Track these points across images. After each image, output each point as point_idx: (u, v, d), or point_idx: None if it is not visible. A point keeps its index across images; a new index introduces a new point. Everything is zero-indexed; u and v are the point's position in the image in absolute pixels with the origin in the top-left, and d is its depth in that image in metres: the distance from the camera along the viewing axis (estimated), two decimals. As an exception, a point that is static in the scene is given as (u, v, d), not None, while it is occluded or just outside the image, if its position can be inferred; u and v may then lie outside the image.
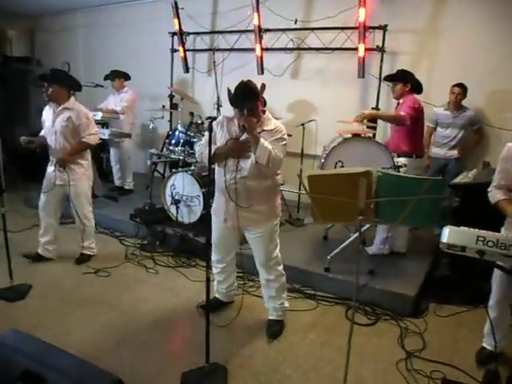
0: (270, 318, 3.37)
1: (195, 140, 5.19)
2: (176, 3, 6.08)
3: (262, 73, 5.70)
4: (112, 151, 6.43)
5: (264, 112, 3.04)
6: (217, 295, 3.61)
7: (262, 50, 5.69)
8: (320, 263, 4.05)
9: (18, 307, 3.56)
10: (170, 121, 6.82)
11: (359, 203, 2.14)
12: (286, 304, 3.39)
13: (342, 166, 4.08)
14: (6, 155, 7.40)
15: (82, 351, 2.95)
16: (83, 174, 4.24)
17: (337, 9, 5.14)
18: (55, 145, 4.13)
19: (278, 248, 3.25)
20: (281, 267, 3.29)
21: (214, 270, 3.49)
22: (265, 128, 2.95)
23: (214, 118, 2.86)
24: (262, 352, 3.07)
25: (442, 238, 2.05)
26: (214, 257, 3.44)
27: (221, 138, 3.05)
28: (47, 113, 4.19)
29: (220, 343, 3.10)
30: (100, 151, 6.82)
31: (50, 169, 4.24)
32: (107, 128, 5.97)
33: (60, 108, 4.07)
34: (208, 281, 2.65)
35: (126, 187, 6.44)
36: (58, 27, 8.34)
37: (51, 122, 4.11)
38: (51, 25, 8.50)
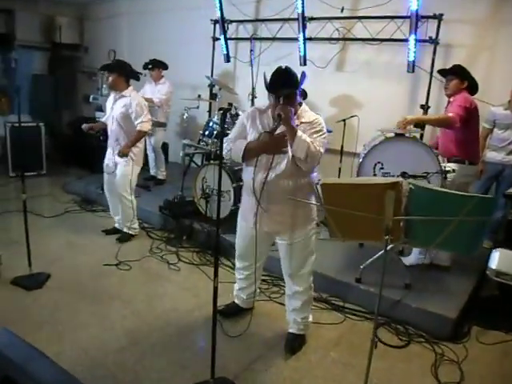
0: (290, 331, 3.08)
1: (229, 132, 4.95)
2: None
3: (305, 64, 5.38)
4: (147, 140, 6.31)
5: (301, 104, 2.74)
6: (236, 301, 3.37)
7: (306, 39, 5.35)
8: (352, 272, 3.71)
9: (33, 297, 3.47)
10: (209, 111, 6.62)
11: (385, 220, 1.82)
12: (310, 318, 3.09)
13: (381, 168, 3.72)
14: (50, 140, 7.60)
15: (87, 351, 2.84)
16: (130, 158, 4.42)
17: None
18: (112, 130, 4.43)
19: (314, 257, 2.93)
20: (311, 279, 2.98)
21: (238, 276, 3.26)
22: (302, 120, 2.65)
23: (228, 110, 2.59)
24: (277, 368, 2.80)
25: (490, 263, 1.68)
26: (238, 263, 3.20)
27: (252, 132, 2.75)
28: (110, 100, 4.52)
29: (232, 354, 2.88)
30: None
31: (109, 152, 4.56)
32: (144, 116, 5.85)
33: (118, 96, 4.37)
34: (215, 291, 2.41)
35: (160, 177, 6.34)
36: (104, 15, 8.35)
37: (110, 108, 4.45)
38: (98, 12, 8.54)
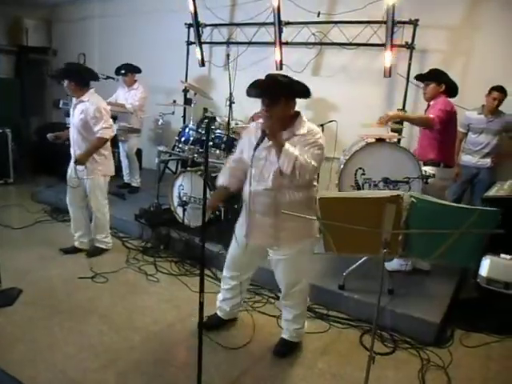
0: (282, 336, 3.03)
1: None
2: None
3: (281, 68, 5.35)
4: (121, 147, 6.17)
5: (298, 114, 2.64)
6: (218, 312, 3.26)
7: (282, 44, 5.32)
8: (335, 279, 3.67)
9: (5, 314, 3.28)
10: (184, 117, 6.51)
11: (384, 234, 1.77)
12: (305, 328, 3.05)
13: (363, 174, 3.71)
14: (17, 147, 7.32)
15: (65, 371, 2.69)
16: (97, 168, 4.17)
17: (363, 1, 4.72)
18: (73, 138, 4.16)
19: (308, 276, 2.90)
20: (305, 294, 2.94)
21: (224, 286, 3.16)
22: (296, 132, 2.57)
23: (213, 119, 2.51)
24: (265, 382, 2.72)
25: (480, 271, 1.66)
26: (226, 272, 3.10)
27: (249, 147, 2.66)
28: (71, 106, 4.20)
29: (217, 368, 2.78)
30: (110, 145, 6.57)
31: (71, 163, 4.23)
32: (115, 123, 5.69)
33: (76, 101, 4.07)
34: (201, 306, 2.33)
35: (134, 184, 6.18)
36: (75, 17, 8.14)
37: (71, 115, 4.14)
38: (68, 14, 8.31)
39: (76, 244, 4.45)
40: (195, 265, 4.22)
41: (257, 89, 2.54)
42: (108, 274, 3.98)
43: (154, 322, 3.29)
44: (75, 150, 4.13)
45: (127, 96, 5.85)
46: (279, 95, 2.51)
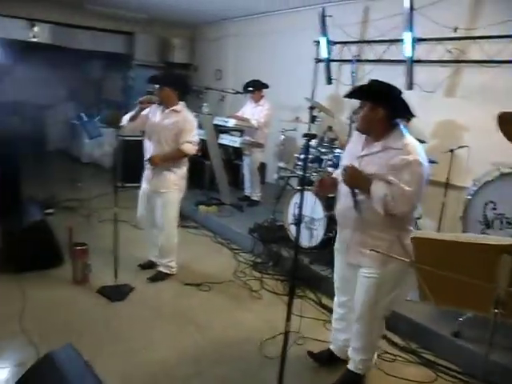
0: (348, 366, 2.77)
1: (325, 157, 4.75)
2: (324, 11, 5.72)
3: (411, 88, 4.99)
4: (244, 160, 6.33)
5: (396, 125, 2.42)
6: (331, 346, 3.01)
7: (413, 61, 4.97)
8: (448, 323, 3.24)
9: (115, 309, 3.56)
10: (305, 134, 6.45)
11: (497, 290, 1.50)
12: (371, 363, 2.77)
13: (493, 209, 3.26)
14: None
15: (154, 374, 2.78)
16: (174, 183, 3.97)
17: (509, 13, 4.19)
18: (155, 145, 3.92)
19: (388, 304, 2.61)
20: (379, 323, 2.68)
21: (333, 315, 2.97)
22: (390, 145, 2.37)
23: (313, 136, 2.41)
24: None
25: None
26: (335, 298, 2.92)
27: (345, 158, 2.61)
28: (154, 110, 3.97)
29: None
30: (234, 158, 6.80)
31: (147, 174, 4.06)
32: (241, 136, 5.87)
33: (168, 110, 3.90)
34: (286, 334, 2.21)
35: (254, 198, 6.28)
36: (213, 36, 8.73)
37: (157, 121, 3.92)
38: (207, 34, 8.97)
39: (152, 258, 4.34)
40: (301, 286, 4.10)
41: (357, 91, 2.44)
42: (213, 284, 4.06)
43: (248, 340, 3.25)
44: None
45: (254, 111, 5.99)
46: (378, 100, 2.36)
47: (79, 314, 3.45)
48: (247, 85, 6.00)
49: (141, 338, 3.16)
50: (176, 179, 3.97)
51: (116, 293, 3.71)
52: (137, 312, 3.52)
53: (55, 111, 10.66)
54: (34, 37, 8.55)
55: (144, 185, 4.07)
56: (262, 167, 6.80)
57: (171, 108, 3.88)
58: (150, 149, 3.97)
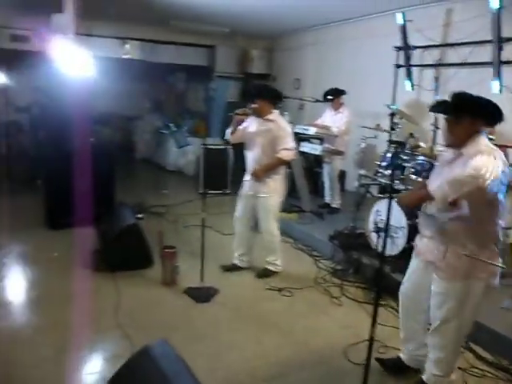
0: (423, 377, 2.69)
1: (407, 165, 4.65)
2: (404, 16, 5.62)
3: (500, 91, 4.74)
4: (324, 167, 6.34)
5: (477, 134, 2.32)
6: (401, 355, 2.97)
7: (502, 63, 4.72)
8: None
9: (200, 309, 3.72)
10: (389, 141, 6.33)
11: None
12: (446, 380, 2.61)
13: None
14: (236, 162, 8.15)
15: (237, 373, 2.88)
16: (275, 188, 4.20)
17: None
18: (252, 156, 4.20)
19: (469, 318, 2.51)
20: (457, 339, 2.56)
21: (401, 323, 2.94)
22: (464, 150, 2.31)
23: (400, 143, 2.42)
24: None
25: None
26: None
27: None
28: (251, 121, 4.23)
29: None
30: (315, 166, 6.83)
31: (246, 178, 4.33)
32: (321, 144, 5.90)
33: (263, 120, 4.13)
34: (371, 340, 2.21)
35: (334, 205, 6.26)
36: (291, 46, 8.88)
37: (253, 131, 4.17)
38: (286, 44, 9.13)
39: (236, 262, 4.53)
40: (382, 295, 4.03)
41: (440, 105, 2.41)
42: (294, 290, 4.11)
43: (330, 346, 3.27)
44: (253, 165, 4.18)
45: (334, 119, 6.00)
46: (462, 113, 2.30)
47: (167, 312, 3.65)
48: (326, 93, 6.02)
49: (224, 339, 3.28)
50: (275, 185, 4.20)
51: (201, 294, 3.88)
52: (221, 314, 3.66)
53: (142, 122, 11.32)
54: (125, 54, 9.18)
55: (245, 189, 4.33)
56: (342, 175, 6.76)
57: (265, 117, 4.11)
58: (249, 158, 4.25)
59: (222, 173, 7.65)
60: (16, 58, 8.39)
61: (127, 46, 9.12)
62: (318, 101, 6.20)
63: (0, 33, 8.35)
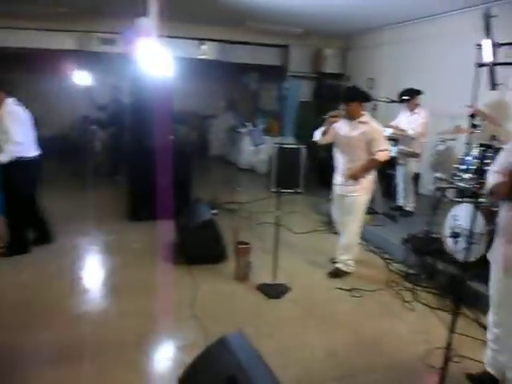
0: None
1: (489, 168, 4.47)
2: (488, 11, 5.35)
3: None
4: (398, 169, 6.22)
5: None
6: (489, 368, 2.84)
7: None
8: None
9: (271, 305, 3.83)
10: (468, 144, 6.09)
11: None
12: None
13: None
14: (309, 162, 8.22)
15: (309, 371, 2.95)
16: (364, 188, 4.27)
17: None
18: (345, 155, 4.30)
19: None
20: None
21: (488, 335, 2.84)
22: None
23: (489, 146, 2.36)
24: None
25: None
26: (490, 315, 2.80)
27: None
28: (342, 123, 4.29)
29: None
30: (388, 168, 6.71)
31: (338, 178, 4.44)
32: (395, 145, 5.80)
33: (355, 122, 4.20)
34: (448, 347, 2.19)
35: (407, 208, 6.13)
36: (366, 44, 8.78)
37: (346, 133, 4.25)
38: (360, 43, 9.03)
39: (340, 266, 4.54)
40: (457, 303, 3.89)
41: None
42: (365, 292, 4.12)
43: (401, 350, 3.26)
44: (347, 167, 4.27)
45: (409, 120, 5.86)
46: None
47: (240, 307, 3.80)
48: (402, 93, 5.90)
49: (294, 336, 3.37)
50: (366, 183, 4.29)
51: (273, 291, 3.99)
52: (292, 311, 3.75)
53: (216, 121, 11.66)
54: (202, 54, 9.50)
55: (336, 189, 4.48)
56: (417, 177, 6.59)
57: (358, 120, 4.19)
58: (340, 160, 4.38)
59: (294, 172, 7.65)
60: (102, 59, 9.01)
61: (204, 47, 9.43)
62: (393, 101, 6.09)
63: (89, 37, 8.98)
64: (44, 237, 4.95)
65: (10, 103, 4.39)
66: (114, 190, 7.55)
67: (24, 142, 4.38)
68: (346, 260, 4.46)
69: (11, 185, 4.42)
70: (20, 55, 9.01)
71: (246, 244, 4.27)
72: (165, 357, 3.16)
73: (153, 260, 4.64)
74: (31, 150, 4.55)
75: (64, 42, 8.82)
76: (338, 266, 4.49)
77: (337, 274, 4.44)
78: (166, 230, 5.16)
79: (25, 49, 8.60)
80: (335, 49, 9.63)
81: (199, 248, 4.49)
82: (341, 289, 4.17)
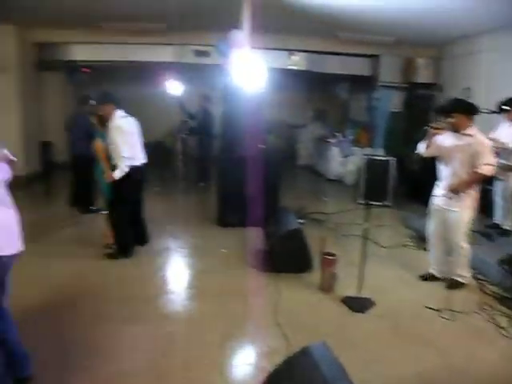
0: None
1: None
2: None
3: None
4: (497, 185, 5.86)
5: None
6: None
7: None
8: None
9: (355, 319, 3.81)
10: None
11: None
12: None
13: None
14: (398, 174, 8.05)
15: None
16: (468, 204, 4.22)
17: None
18: (451, 168, 4.24)
19: None
20: None
21: None
22: None
23: None
24: None
25: None
26: None
27: None
28: (446, 136, 4.27)
29: None
30: (486, 183, 6.34)
31: (438, 191, 4.39)
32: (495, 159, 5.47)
33: (461, 134, 4.15)
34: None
35: (505, 227, 5.73)
36: (462, 52, 8.33)
37: (451, 145, 4.20)
38: (455, 51, 8.62)
39: (432, 271, 4.60)
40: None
41: None
42: (455, 313, 3.93)
43: (492, 379, 3.09)
44: (450, 180, 4.23)
45: (510, 132, 5.51)
46: None
47: (323, 318, 3.82)
48: (502, 103, 5.56)
49: (378, 352, 3.32)
50: (470, 200, 4.24)
51: (358, 304, 3.96)
52: (376, 326, 3.69)
53: (305, 130, 11.75)
54: (291, 64, 9.65)
55: (437, 202, 4.42)
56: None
57: (463, 132, 4.14)
58: (444, 172, 4.35)
59: (383, 184, 7.59)
60: (194, 70, 9.52)
61: (293, 57, 9.57)
62: (494, 112, 5.76)
63: (185, 49, 9.53)
64: (142, 239, 5.33)
65: (119, 116, 4.76)
66: (202, 196, 7.91)
67: (131, 155, 4.73)
68: (461, 273, 4.42)
69: (118, 190, 4.80)
70: (122, 68, 9.83)
71: (333, 255, 4.27)
72: (246, 361, 3.26)
73: (239, 265, 4.81)
74: (139, 159, 4.92)
75: (162, 54, 9.45)
76: (455, 278, 4.43)
77: (454, 285, 4.40)
78: (253, 237, 5.32)
79: (127, 62, 9.38)
80: (427, 58, 9.33)
81: (285, 256, 4.57)
82: (430, 308, 4.01)
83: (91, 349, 3.22)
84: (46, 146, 9.56)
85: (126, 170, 4.69)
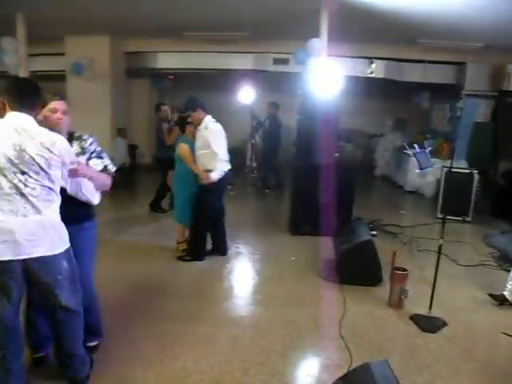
0: None
1: None
2: None
3: None
4: None
5: None
6: None
7: None
8: None
9: (424, 339, 3.60)
10: None
11: None
12: None
13: None
14: (482, 188, 7.62)
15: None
16: None
17: None
18: None
19: None
20: None
21: None
22: None
23: None
24: None
25: None
26: None
27: None
28: None
29: None
30: None
31: None
32: None
33: None
34: None
35: None
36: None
37: None
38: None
39: (506, 294, 4.21)
40: None
41: None
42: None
43: None
44: None
45: None
46: None
47: (389, 334, 3.67)
48: None
49: (445, 377, 3.10)
50: None
51: (427, 324, 3.77)
52: (446, 349, 3.47)
53: (383, 140, 11.46)
54: (371, 73, 9.48)
55: None
56: None
57: None
58: None
59: (463, 198, 7.20)
60: (269, 78, 9.67)
61: (373, 65, 9.40)
62: None
63: (265, 57, 9.69)
64: (223, 249, 5.36)
65: (209, 120, 4.85)
66: (272, 203, 7.95)
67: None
68: None
69: (206, 196, 4.86)
70: (203, 75, 10.22)
71: (404, 270, 4.13)
72: (306, 373, 3.22)
73: (308, 274, 4.80)
74: (227, 164, 4.94)
75: (241, 62, 9.69)
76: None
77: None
78: (324, 247, 5.28)
79: (208, 69, 9.75)
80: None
81: (354, 268, 4.49)
82: (508, 335, 3.71)
83: (158, 345, 3.36)
84: (131, 149, 10.12)
85: (223, 173, 4.76)
